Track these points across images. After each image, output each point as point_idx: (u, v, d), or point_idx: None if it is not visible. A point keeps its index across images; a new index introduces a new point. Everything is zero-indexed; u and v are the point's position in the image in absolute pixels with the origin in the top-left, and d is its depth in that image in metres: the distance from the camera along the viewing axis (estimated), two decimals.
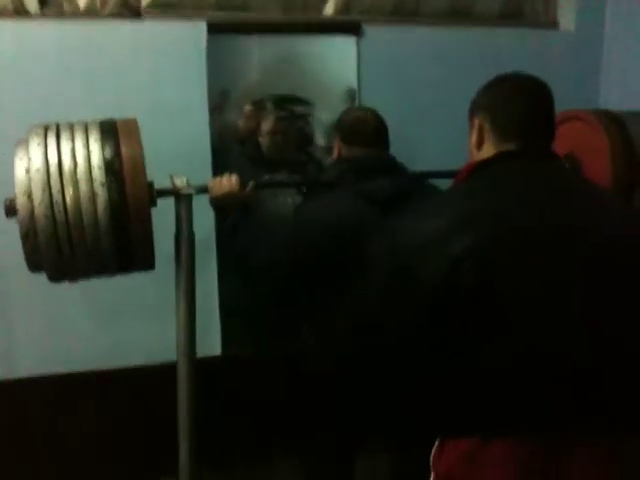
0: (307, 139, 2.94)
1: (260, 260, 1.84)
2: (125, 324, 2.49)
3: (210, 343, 2.58)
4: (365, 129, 1.97)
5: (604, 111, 2.11)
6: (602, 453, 1.18)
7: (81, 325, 2.46)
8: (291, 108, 3.11)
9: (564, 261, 1.17)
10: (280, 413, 2.48)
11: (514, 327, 1.16)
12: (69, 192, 1.56)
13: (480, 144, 1.35)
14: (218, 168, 2.42)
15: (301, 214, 1.94)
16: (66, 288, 1.86)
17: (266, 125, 2.93)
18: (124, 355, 2.48)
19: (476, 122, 1.36)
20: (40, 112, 1.92)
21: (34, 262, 1.65)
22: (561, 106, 2.19)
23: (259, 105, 3.11)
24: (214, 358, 2.58)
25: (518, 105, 1.33)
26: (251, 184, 1.90)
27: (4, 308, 2.40)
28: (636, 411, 1.22)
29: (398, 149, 2.25)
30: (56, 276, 1.72)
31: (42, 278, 1.72)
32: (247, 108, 3.12)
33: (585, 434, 1.18)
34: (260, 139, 2.95)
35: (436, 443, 1.26)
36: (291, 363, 2.09)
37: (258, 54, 2.70)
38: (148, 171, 1.69)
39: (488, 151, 1.33)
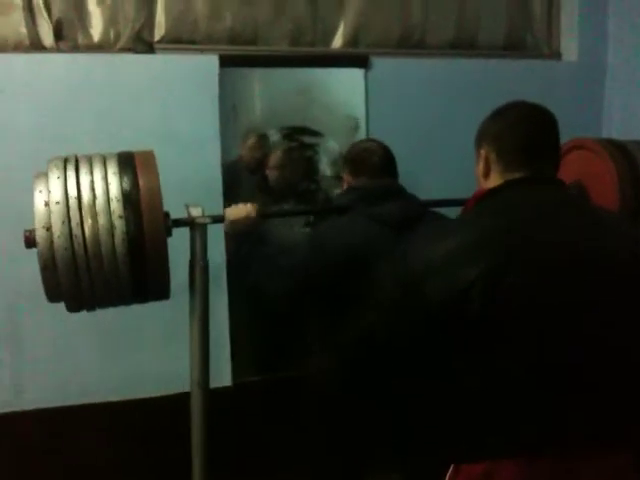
0: (315, 168, 2.99)
1: (276, 286, 1.86)
2: (136, 354, 2.49)
3: (221, 373, 2.58)
4: (372, 160, 2.02)
5: (609, 139, 2.15)
6: (609, 468, 1.20)
7: (91, 356, 2.47)
8: (300, 138, 3.17)
9: (574, 284, 1.20)
10: (291, 440, 2.48)
11: (523, 349, 1.18)
12: (88, 225, 1.59)
13: (487, 173, 1.38)
14: (229, 198, 2.46)
15: (317, 237, 1.97)
16: (77, 318, 1.87)
17: (273, 159, 2.97)
18: (135, 386, 2.48)
19: (482, 152, 1.39)
20: (54, 144, 1.97)
21: (53, 293, 1.67)
22: (565, 134, 2.24)
23: (263, 137, 3.16)
24: (225, 389, 2.59)
25: (523, 134, 1.35)
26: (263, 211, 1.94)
27: (15, 339, 2.41)
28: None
29: (405, 178, 2.28)
30: (74, 306, 1.73)
31: (52, 309, 1.74)
32: (250, 140, 3.18)
33: (592, 450, 1.20)
34: (267, 172, 2.99)
35: (451, 467, 1.28)
36: (302, 387, 2.10)
37: (264, 86, 2.76)
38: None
39: (495, 180, 1.36)
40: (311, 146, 3.03)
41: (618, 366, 1.24)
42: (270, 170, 2.99)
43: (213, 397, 2.05)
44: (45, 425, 2.42)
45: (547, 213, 1.28)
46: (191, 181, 2.39)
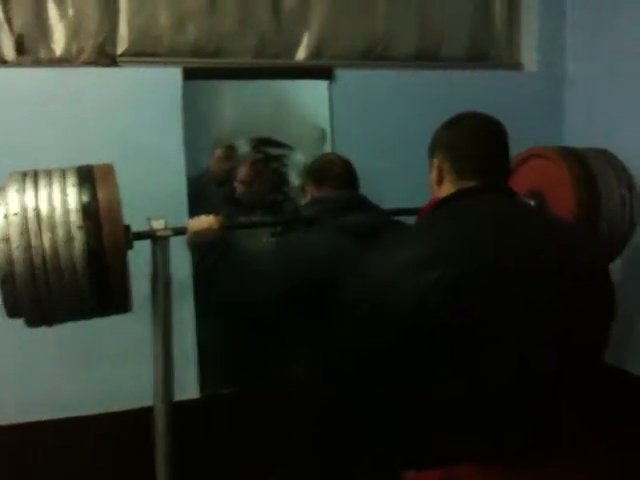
0: (283, 179, 3.01)
1: (245, 295, 1.86)
2: (99, 368, 2.46)
3: (187, 386, 2.56)
4: (334, 171, 2.06)
5: (567, 148, 2.19)
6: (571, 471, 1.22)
7: (53, 370, 2.43)
8: (267, 150, 3.19)
9: (526, 288, 1.22)
10: (260, 454, 2.47)
11: (480, 354, 1.19)
12: (47, 236, 1.58)
13: (440, 182, 1.40)
14: (196, 211, 2.45)
15: (287, 249, 1.97)
16: (40, 333, 1.85)
17: (241, 174, 2.98)
18: (98, 400, 2.45)
19: (435, 161, 1.41)
20: (16, 159, 1.92)
21: (12, 307, 1.65)
22: (527, 143, 2.30)
23: (230, 149, 3.18)
24: (193, 401, 2.57)
25: (476, 144, 1.38)
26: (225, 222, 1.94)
27: None
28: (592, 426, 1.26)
29: (370, 188, 2.31)
30: (34, 321, 1.72)
31: (11, 323, 1.72)
32: (219, 151, 3.19)
33: (549, 454, 1.22)
34: (235, 184, 3.00)
35: (409, 474, 1.28)
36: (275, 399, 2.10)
37: (231, 98, 2.78)
38: (126, 215, 1.72)
39: (448, 189, 1.38)
40: (278, 157, 3.05)
41: (579, 370, 1.27)
42: (238, 183, 3.00)
43: (180, 410, 2.04)
44: (10, 441, 2.37)
45: (500, 221, 1.30)
46: (156, 194, 2.37)
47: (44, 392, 2.42)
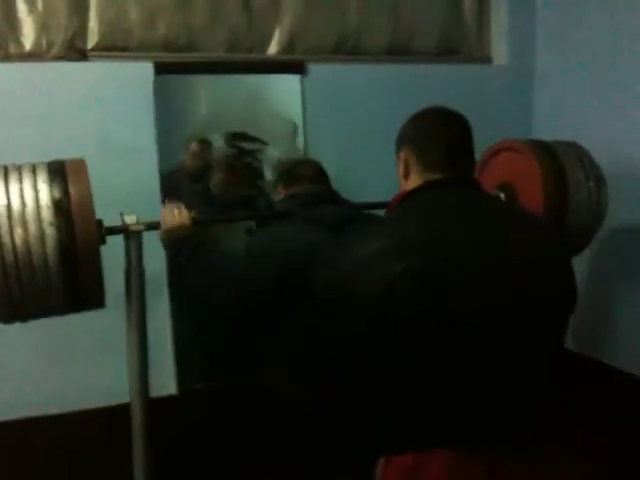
0: (257, 174, 3.01)
1: (218, 292, 1.87)
2: (75, 365, 2.45)
3: (164, 382, 2.56)
4: (305, 170, 2.10)
5: (536, 141, 2.22)
6: (540, 462, 1.25)
7: (30, 368, 2.42)
8: (240, 145, 3.19)
9: (491, 278, 1.25)
10: (242, 447, 2.48)
11: (449, 342, 1.22)
12: (18, 232, 1.57)
13: (407, 175, 1.43)
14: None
15: (255, 246, 1.97)
16: (14, 330, 1.84)
17: (217, 176, 2.97)
18: (74, 397, 2.44)
19: (402, 155, 1.44)
20: None
21: None
22: (497, 136, 2.33)
23: (205, 143, 3.17)
24: (170, 397, 2.57)
25: (441, 137, 1.41)
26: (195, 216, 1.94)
27: None
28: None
29: (343, 181, 2.32)
30: (7, 317, 1.71)
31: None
32: (193, 146, 3.18)
33: (519, 445, 1.25)
34: (210, 184, 2.99)
35: (381, 459, 1.30)
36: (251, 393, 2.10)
37: (205, 93, 2.77)
38: (98, 210, 1.71)
39: (415, 181, 1.40)
40: (251, 152, 3.05)
41: (545, 356, 1.30)
42: (214, 184, 3.00)
43: (157, 405, 2.04)
44: None
45: (466, 213, 1.33)
46: (128, 189, 2.36)
47: (18, 390, 2.41)
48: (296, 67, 2.67)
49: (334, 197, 2.05)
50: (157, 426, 2.01)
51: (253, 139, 3.07)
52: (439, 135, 1.40)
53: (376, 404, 1.29)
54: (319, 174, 2.11)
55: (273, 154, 2.93)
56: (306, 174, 2.07)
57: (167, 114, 2.60)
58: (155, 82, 2.48)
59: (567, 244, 1.43)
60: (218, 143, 3.20)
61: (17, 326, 1.78)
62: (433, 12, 2.92)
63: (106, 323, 2.08)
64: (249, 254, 1.95)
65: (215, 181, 3.01)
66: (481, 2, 3.01)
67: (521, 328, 1.26)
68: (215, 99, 2.84)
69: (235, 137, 3.23)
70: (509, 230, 1.33)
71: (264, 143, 3.08)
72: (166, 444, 2.28)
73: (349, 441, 1.42)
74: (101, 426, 2.40)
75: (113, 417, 2.18)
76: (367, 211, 2.11)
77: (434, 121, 1.43)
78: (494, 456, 1.26)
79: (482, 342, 1.23)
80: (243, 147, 3.16)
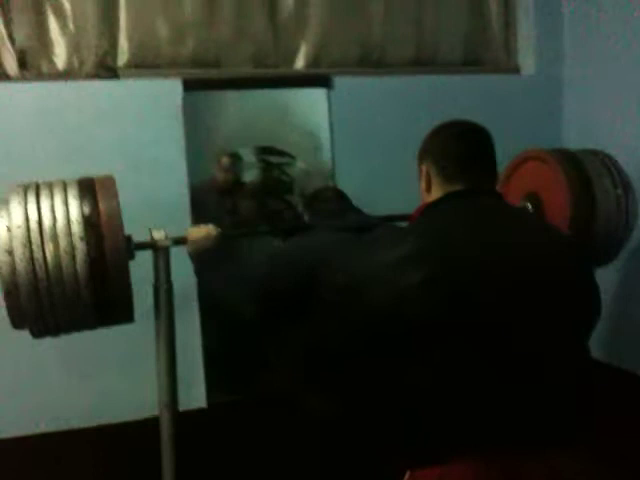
0: (285, 188, 3.03)
1: (235, 300, 1.88)
2: (105, 379, 2.48)
3: (195, 395, 2.58)
4: (327, 193, 2.20)
5: (561, 150, 2.20)
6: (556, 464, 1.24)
7: (60, 382, 2.45)
8: (268, 159, 3.21)
9: (505, 286, 1.24)
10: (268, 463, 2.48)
11: (459, 352, 1.22)
12: (49, 247, 1.60)
13: (429, 188, 1.44)
14: (199, 221, 2.47)
15: (276, 253, 1.97)
16: (46, 345, 1.88)
17: (244, 202, 3.01)
18: (106, 411, 2.47)
19: (423, 168, 1.45)
20: (21, 172, 1.94)
21: (17, 319, 1.68)
22: (524, 146, 2.32)
23: (235, 157, 3.21)
24: (200, 411, 2.58)
25: (461, 149, 1.41)
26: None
27: None
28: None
29: (369, 193, 2.33)
30: (39, 332, 1.74)
31: (17, 334, 1.74)
32: (224, 160, 3.22)
33: (538, 451, 1.24)
34: (239, 199, 3.02)
35: (407, 474, 1.30)
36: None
37: (233, 108, 2.80)
38: (128, 226, 1.75)
39: (436, 193, 1.42)
40: (279, 166, 3.07)
41: (560, 364, 1.29)
42: (241, 206, 3.03)
43: (187, 419, 2.06)
44: (17, 452, 2.39)
45: (484, 223, 1.33)
46: (158, 205, 2.41)
47: (50, 404, 2.44)
48: (322, 81, 2.70)
49: (356, 211, 2.07)
50: (187, 439, 2.03)
51: (281, 153, 3.09)
52: (459, 148, 1.41)
53: (393, 412, 1.28)
54: (341, 195, 2.17)
55: (300, 167, 2.94)
56: (328, 196, 2.14)
57: (196, 129, 2.63)
58: (184, 98, 2.52)
59: (586, 258, 1.42)
60: (248, 157, 3.23)
61: (48, 341, 1.83)
62: (458, 22, 2.92)
63: (136, 336, 2.11)
64: (267, 261, 1.95)
65: (244, 202, 3.04)
66: (507, 12, 3.00)
67: (533, 333, 1.25)
68: (243, 114, 2.87)
69: (263, 151, 3.25)
70: (526, 240, 1.33)
71: (292, 157, 3.10)
72: (196, 457, 2.31)
73: (371, 452, 1.42)
74: (130, 439, 2.42)
75: (143, 430, 2.19)
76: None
77: (454, 134, 1.45)
78: (513, 463, 1.24)
79: (492, 349, 1.23)
80: (271, 161, 3.18)
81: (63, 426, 2.43)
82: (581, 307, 1.34)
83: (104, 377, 2.49)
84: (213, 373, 2.65)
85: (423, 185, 1.45)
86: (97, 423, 2.45)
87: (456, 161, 1.40)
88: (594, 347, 1.38)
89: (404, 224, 2.03)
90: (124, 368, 2.48)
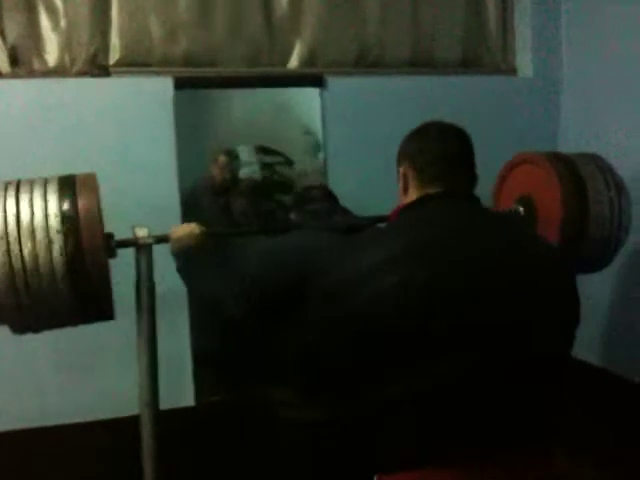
0: (277, 187, 3.02)
1: (229, 303, 1.86)
2: (96, 375, 2.48)
3: (182, 393, 2.57)
4: (315, 192, 2.18)
5: (555, 153, 2.18)
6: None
7: (51, 379, 2.45)
8: (261, 158, 3.20)
9: (478, 290, 1.22)
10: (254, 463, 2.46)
11: (442, 352, 1.20)
12: (26, 241, 1.60)
13: (406, 190, 1.41)
14: (189, 220, 2.46)
15: (260, 252, 1.96)
16: (37, 343, 1.87)
17: (238, 200, 2.99)
18: (93, 408, 2.46)
19: (401, 170, 1.43)
20: (9, 170, 1.92)
21: None
22: (521, 148, 2.30)
23: (232, 154, 3.20)
24: (187, 409, 2.57)
25: (437, 151, 1.39)
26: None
27: None
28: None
29: (362, 194, 2.31)
30: (17, 327, 1.74)
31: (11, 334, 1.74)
32: (222, 158, 3.20)
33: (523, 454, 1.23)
34: (231, 200, 3.01)
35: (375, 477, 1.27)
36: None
37: (227, 107, 2.79)
38: (116, 224, 1.76)
39: (413, 196, 1.39)
40: (271, 165, 3.06)
41: (539, 370, 1.27)
42: (234, 198, 3.02)
43: (174, 417, 2.04)
44: (9, 447, 2.38)
45: (458, 227, 1.31)
46: (148, 204, 2.39)
47: (41, 399, 2.44)
48: (315, 80, 2.68)
49: (343, 211, 2.06)
50: (173, 436, 2.01)
51: (274, 152, 3.08)
52: (436, 150, 1.39)
53: (371, 416, 1.26)
54: (328, 194, 2.16)
55: (294, 167, 2.93)
56: (315, 195, 2.13)
57: (189, 128, 2.62)
58: (176, 97, 2.51)
59: (564, 263, 1.40)
60: (244, 155, 3.22)
61: (39, 338, 1.82)
62: (455, 23, 2.90)
63: (130, 334, 2.09)
64: (261, 260, 1.94)
65: (237, 202, 3.03)
66: (505, 12, 2.98)
67: (510, 339, 1.23)
68: (236, 113, 2.86)
69: (257, 150, 3.24)
70: (500, 244, 1.31)
71: (284, 156, 3.09)
72: (181, 454, 2.29)
73: (351, 456, 1.40)
74: (121, 435, 2.40)
75: (132, 427, 2.18)
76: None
77: (431, 136, 1.42)
78: (489, 468, 1.22)
79: (470, 350, 1.20)
80: (264, 160, 3.17)
81: (49, 422, 2.42)
82: (556, 310, 1.31)
83: (91, 375, 2.48)
84: (203, 373, 2.64)
85: (401, 187, 1.42)
86: (89, 419, 2.44)
87: (432, 163, 1.37)
88: (588, 351, 1.36)
89: None
90: (120, 364, 2.43)
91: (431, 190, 1.37)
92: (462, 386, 1.20)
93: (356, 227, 1.88)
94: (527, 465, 1.25)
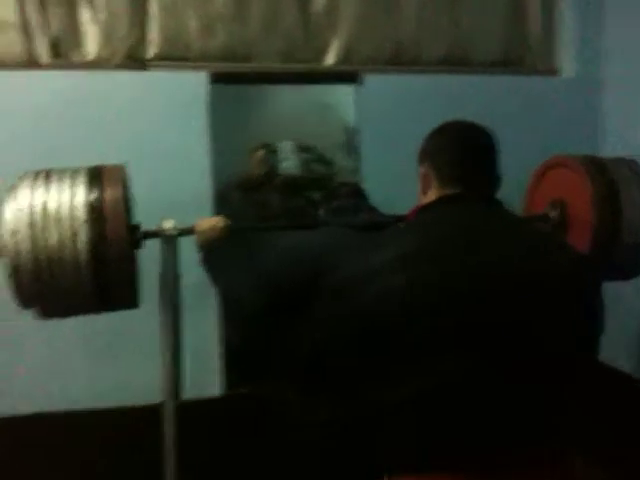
0: (311, 184, 3.02)
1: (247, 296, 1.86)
2: (123, 364, 2.52)
3: (210, 384, 2.60)
4: (344, 189, 2.24)
5: (589, 157, 2.12)
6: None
7: (80, 364, 2.50)
8: (300, 155, 3.20)
9: (488, 293, 1.20)
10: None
11: (450, 352, 1.18)
12: (52, 229, 1.64)
13: (426, 190, 1.39)
14: (222, 213, 2.47)
15: (282, 247, 1.96)
16: (67, 329, 1.91)
17: (273, 196, 3.00)
18: (121, 394, 2.50)
19: (421, 170, 1.40)
20: (45, 159, 1.95)
21: (21, 299, 1.71)
22: (560, 149, 2.25)
23: (270, 149, 3.21)
24: (214, 399, 2.59)
25: (457, 151, 1.36)
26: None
27: (7, 348, 2.45)
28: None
29: (396, 193, 2.29)
30: (43, 312, 1.78)
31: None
32: (260, 152, 3.22)
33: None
34: (267, 197, 3.02)
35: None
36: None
37: (262, 103, 2.80)
38: (149, 216, 1.79)
39: (431, 196, 1.37)
40: (308, 162, 3.06)
41: (551, 376, 1.25)
42: (269, 194, 3.03)
43: (200, 408, 2.05)
44: (35, 429, 2.43)
45: (473, 229, 1.29)
46: (179, 197, 2.42)
47: (69, 384, 2.49)
48: (350, 77, 2.66)
49: (370, 209, 2.05)
50: (196, 426, 2.02)
51: (311, 149, 3.08)
52: (456, 150, 1.36)
53: (375, 417, 1.25)
54: (356, 191, 2.18)
55: (329, 165, 2.92)
56: (344, 192, 2.16)
57: (226, 125, 2.63)
58: (213, 92, 2.53)
59: (588, 270, 1.36)
60: (283, 150, 3.23)
61: (70, 324, 1.86)
62: (495, 20, 2.84)
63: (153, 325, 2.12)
64: (281, 256, 1.94)
65: (273, 203, 3.04)
66: (547, 10, 2.90)
67: (520, 341, 1.21)
68: (274, 109, 2.87)
69: (296, 146, 3.24)
70: (515, 248, 1.28)
71: (321, 154, 3.09)
72: (206, 445, 2.31)
73: (357, 455, 1.39)
74: (144, 423, 2.43)
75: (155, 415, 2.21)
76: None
77: (452, 135, 1.40)
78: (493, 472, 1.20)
79: (478, 350, 1.19)
80: (302, 157, 3.18)
81: (80, 406, 2.46)
82: (569, 315, 1.28)
83: (124, 361, 2.52)
84: (232, 364, 2.65)
85: (420, 187, 1.41)
86: (111, 405, 2.47)
87: (452, 164, 1.35)
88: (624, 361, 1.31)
89: None
90: (145, 353, 2.48)
91: (449, 191, 1.34)
92: (466, 385, 1.19)
93: (380, 225, 1.87)
94: (537, 467, 1.23)
